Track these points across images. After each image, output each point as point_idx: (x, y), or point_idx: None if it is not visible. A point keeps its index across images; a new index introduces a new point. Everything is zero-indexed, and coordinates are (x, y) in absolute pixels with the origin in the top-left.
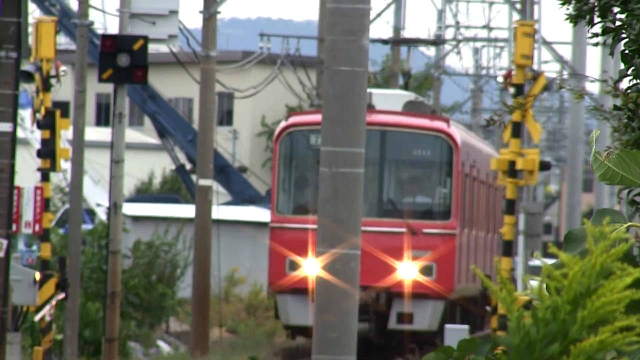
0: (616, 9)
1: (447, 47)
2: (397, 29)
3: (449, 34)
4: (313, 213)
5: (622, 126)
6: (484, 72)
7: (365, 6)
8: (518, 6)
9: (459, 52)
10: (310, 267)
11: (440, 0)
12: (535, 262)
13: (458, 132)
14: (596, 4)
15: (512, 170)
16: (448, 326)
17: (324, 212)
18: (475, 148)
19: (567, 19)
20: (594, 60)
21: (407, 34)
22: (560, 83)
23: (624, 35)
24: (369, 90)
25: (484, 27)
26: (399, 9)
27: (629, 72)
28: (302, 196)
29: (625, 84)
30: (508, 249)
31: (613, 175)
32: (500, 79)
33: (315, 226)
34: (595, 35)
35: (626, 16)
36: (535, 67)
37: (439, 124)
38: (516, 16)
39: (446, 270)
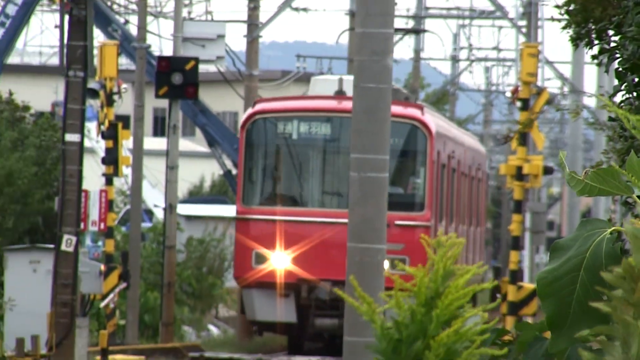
0: (611, 32)
1: (462, 66)
2: (417, 50)
3: (463, 54)
4: (281, 204)
5: (616, 136)
6: (493, 88)
7: (388, 30)
8: (524, 30)
9: (471, 71)
10: (278, 260)
11: (455, 25)
12: (542, 258)
13: (433, 120)
14: (593, 27)
15: (519, 175)
16: None
17: (353, 211)
18: (455, 139)
19: (570, 40)
20: (591, 77)
21: (425, 55)
22: (557, 105)
23: (618, 55)
24: (339, 76)
25: (494, 48)
26: (418, 34)
27: (623, 87)
28: (269, 186)
29: (619, 98)
30: (516, 243)
31: (591, 189)
32: (508, 94)
33: (283, 217)
34: (596, 57)
35: (620, 38)
36: (539, 83)
37: (412, 111)
38: (522, 39)
39: (420, 264)
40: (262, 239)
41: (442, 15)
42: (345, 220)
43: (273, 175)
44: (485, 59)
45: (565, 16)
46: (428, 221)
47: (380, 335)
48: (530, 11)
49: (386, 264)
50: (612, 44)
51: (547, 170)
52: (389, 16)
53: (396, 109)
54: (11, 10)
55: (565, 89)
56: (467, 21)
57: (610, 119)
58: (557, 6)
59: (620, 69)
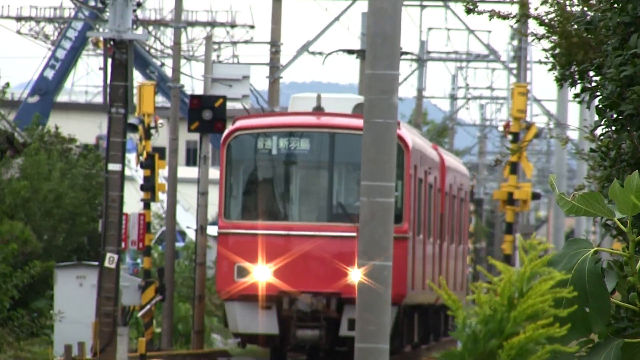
0: (592, 73)
1: (459, 103)
2: (420, 90)
3: (460, 93)
4: (261, 218)
5: (597, 165)
6: (487, 123)
7: (394, 72)
8: (514, 71)
9: (468, 108)
10: (260, 273)
11: (453, 67)
12: None
13: (409, 136)
14: (576, 69)
15: (510, 200)
16: None
17: (363, 231)
18: (432, 156)
19: (555, 80)
20: (574, 113)
21: (426, 93)
22: (549, 133)
23: (598, 94)
24: (318, 93)
25: (488, 87)
26: (421, 75)
27: (602, 122)
28: (250, 201)
29: (599, 131)
30: (507, 261)
31: (578, 209)
32: (500, 129)
33: (263, 231)
34: (578, 95)
35: (600, 79)
36: (528, 119)
37: None
38: (513, 79)
39: (398, 275)
40: (243, 252)
41: (442, 58)
42: (324, 233)
43: (253, 190)
44: (480, 97)
45: (551, 59)
46: (406, 233)
47: (462, 328)
48: (520, 55)
49: (360, 274)
50: (593, 84)
51: (535, 196)
52: (394, 59)
53: None
54: (61, 54)
55: (551, 124)
56: (464, 64)
57: (592, 150)
58: (544, 50)
59: (600, 106)
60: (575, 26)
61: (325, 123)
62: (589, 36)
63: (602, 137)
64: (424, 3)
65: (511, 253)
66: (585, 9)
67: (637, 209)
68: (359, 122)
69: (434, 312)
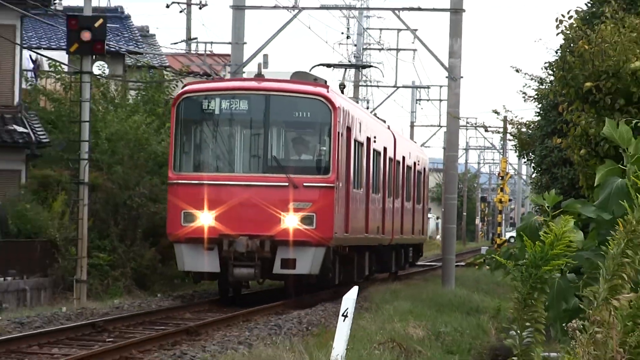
0: (532, 154)
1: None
2: (466, 161)
3: (482, 162)
4: (205, 170)
5: (534, 189)
6: (493, 173)
7: (456, 154)
8: (502, 152)
9: (483, 166)
10: (204, 219)
11: (478, 152)
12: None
13: (338, 98)
14: (525, 152)
15: (500, 201)
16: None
17: (444, 221)
18: (367, 121)
19: (517, 155)
20: (524, 168)
21: (469, 162)
22: (515, 176)
23: (534, 162)
24: (259, 62)
25: (491, 159)
26: (466, 155)
27: (535, 172)
28: (196, 155)
29: (534, 175)
30: (499, 224)
31: (534, 200)
32: (496, 174)
33: (206, 181)
34: (526, 161)
35: (534, 155)
36: (507, 171)
37: (318, 89)
38: (501, 156)
39: (325, 220)
40: (189, 200)
41: (474, 148)
42: (259, 183)
43: (199, 145)
44: (490, 162)
45: (515, 147)
46: (333, 183)
47: (529, 247)
48: (504, 145)
49: (295, 220)
50: (532, 156)
51: (509, 201)
52: (456, 148)
53: (304, 87)
54: None
55: (516, 172)
56: (482, 150)
57: (531, 182)
58: (513, 144)
59: (534, 166)
60: (524, 136)
61: (263, 87)
62: (529, 139)
63: (535, 177)
64: (468, 127)
65: (501, 221)
66: (528, 129)
67: (555, 202)
68: (293, 86)
69: (387, 250)
